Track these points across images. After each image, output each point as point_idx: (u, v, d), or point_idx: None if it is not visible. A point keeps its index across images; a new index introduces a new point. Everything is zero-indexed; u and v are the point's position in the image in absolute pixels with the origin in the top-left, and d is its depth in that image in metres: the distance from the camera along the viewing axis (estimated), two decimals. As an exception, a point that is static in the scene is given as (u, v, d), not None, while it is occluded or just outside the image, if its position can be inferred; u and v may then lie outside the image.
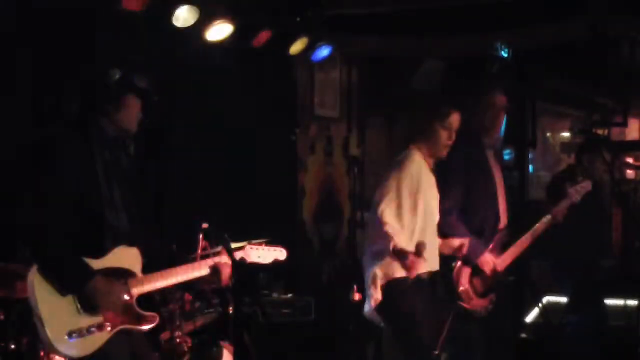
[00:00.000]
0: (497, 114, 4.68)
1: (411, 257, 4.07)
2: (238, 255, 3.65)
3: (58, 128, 3.28)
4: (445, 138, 4.30)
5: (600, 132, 7.96)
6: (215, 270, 3.50)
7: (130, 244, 3.31)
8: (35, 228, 3.10)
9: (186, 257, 3.69)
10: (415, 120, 4.44)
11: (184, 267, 3.45)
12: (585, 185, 4.81)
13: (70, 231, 3.15)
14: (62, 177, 3.15)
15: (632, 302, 6.13)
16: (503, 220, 4.68)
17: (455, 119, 4.31)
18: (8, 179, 3.77)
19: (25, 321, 3.63)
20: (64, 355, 3.12)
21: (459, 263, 4.50)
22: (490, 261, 4.52)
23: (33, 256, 3.12)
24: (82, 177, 3.19)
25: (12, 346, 3.83)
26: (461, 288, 4.49)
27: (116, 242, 3.27)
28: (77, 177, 3.18)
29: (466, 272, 4.52)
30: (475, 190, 4.58)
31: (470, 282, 4.52)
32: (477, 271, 4.53)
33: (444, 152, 4.35)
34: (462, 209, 4.53)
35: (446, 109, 4.31)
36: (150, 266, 3.37)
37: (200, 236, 4.10)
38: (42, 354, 3.67)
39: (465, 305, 4.49)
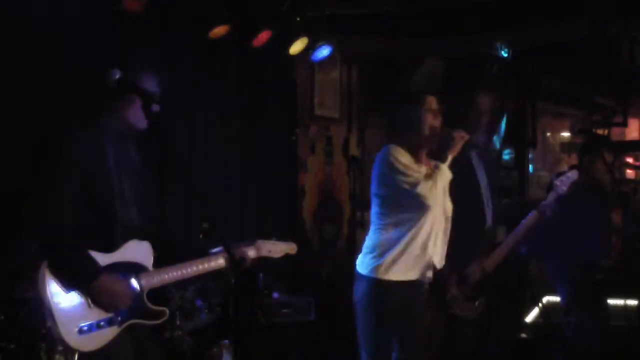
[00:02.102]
0: (480, 115, 4.61)
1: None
2: (249, 251, 3.61)
3: (69, 123, 3.30)
4: (430, 119, 4.00)
5: (600, 132, 7.98)
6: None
7: (141, 238, 3.33)
8: (44, 224, 3.11)
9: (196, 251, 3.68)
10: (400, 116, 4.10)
11: (193, 261, 3.45)
12: (571, 175, 4.63)
13: (80, 226, 3.17)
14: (73, 173, 3.17)
15: (632, 302, 6.13)
16: (489, 221, 4.61)
17: (432, 100, 4.03)
18: (19, 176, 3.77)
19: (26, 321, 3.63)
20: (75, 350, 3.12)
21: (446, 269, 4.29)
22: (476, 271, 4.46)
23: (42, 252, 3.13)
24: (94, 171, 3.22)
25: (12, 346, 3.83)
26: (449, 295, 4.39)
27: (127, 236, 3.29)
28: (88, 172, 3.20)
29: (454, 277, 4.42)
30: (457, 191, 4.32)
31: (459, 287, 4.43)
32: (465, 277, 4.45)
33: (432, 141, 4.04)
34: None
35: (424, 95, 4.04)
36: (161, 260, 3.38)
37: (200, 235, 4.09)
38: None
39: (454, 311, 4.41)
